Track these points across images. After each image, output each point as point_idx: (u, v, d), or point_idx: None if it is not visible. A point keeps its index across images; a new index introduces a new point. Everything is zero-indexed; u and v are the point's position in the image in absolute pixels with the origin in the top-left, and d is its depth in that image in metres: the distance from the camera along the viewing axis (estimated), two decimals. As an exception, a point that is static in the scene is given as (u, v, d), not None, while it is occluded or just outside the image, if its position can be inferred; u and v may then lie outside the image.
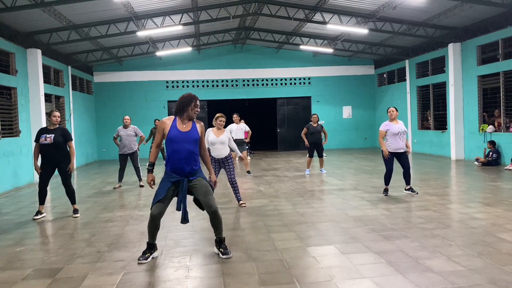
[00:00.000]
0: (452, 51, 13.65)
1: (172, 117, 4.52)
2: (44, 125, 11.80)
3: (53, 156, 6.70)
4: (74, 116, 15.63)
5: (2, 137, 10.22)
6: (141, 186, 10.01)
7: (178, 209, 4.47)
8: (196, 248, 4.96)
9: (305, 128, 11.24)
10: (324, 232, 5.46)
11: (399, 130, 7.57)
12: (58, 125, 6.87)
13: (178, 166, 4.38)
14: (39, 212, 6.90)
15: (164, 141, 4.54)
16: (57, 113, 6.90)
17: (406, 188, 7.92)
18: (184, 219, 4.49)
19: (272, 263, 4.33)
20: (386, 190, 7.88)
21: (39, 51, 12.02)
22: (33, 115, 11.70)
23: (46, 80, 13.15)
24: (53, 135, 6.69)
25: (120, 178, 10.08)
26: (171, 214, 6.85)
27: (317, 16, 13.69)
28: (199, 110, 4.52)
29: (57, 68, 14.32)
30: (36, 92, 11.82)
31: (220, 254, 4.54)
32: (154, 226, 4.48)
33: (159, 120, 15.54)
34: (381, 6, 12.06)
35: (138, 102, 18.83)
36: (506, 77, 11.85)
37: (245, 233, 5.56)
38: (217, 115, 7.37)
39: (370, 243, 4.89)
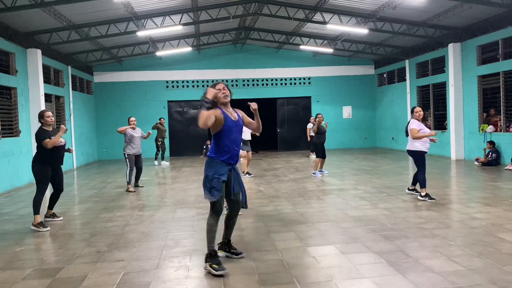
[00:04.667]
0: (452, 51, 13.65)
1: (218, 109, 4.29)
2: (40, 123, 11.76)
3: (59, 159, 6.50)
4: (74, 116, 15.63)
5: (2, 137, 10.22)
6: (140, 186, 9.97)
7: (240, 199, 4.50)
8: (196, 248, 4.95)
9: (316, 128, 11.09)
10: (324, 232, 5.46)
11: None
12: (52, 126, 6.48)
13: (232, 155, 4.33)
14: (53, 215, 6.66)
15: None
16: (50, 113, 6.50)
17: (410, 188, 7.88)
18: (244, 203, 4.57)
19: (272, 263, 4.33)
20: (427, 195, 7.29)
21: (39, 51, 12.02)
22: (33, 115, 11.68)
23: (46, 80, 13.15)
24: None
25: (131, 179, 9.97)
26: (171, 214, 6.86)
27: (317, 16, 13.69)
28: (225, 91, 4.32)
29: (57, 68, 14.31)
30: (36, 92, 11.82)
31: (234, 255, 4.55)
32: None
33: (163, 119, 15.69)
34: (381, 6, 12.06)
35: (138, 102, 18.83)
36: (506, 77, 11.85)
37: (245, 233, 5.56)
38: None
39: (370, 243, 4.89)
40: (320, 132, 11.08)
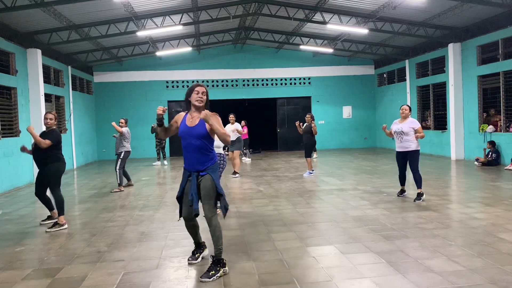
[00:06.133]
0: (452, 51, 13.65)
1: (186, 112, 4.34)
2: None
3: (38, 158, 6.27)
4: (74, 116, 15.63)
5: (2, 137, 10.22)
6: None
7: (190, 204, 4.14)
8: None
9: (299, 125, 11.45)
10: (324, 232, 5.46)
11: (395, 129, 7.51)
12: (52, 128, 6.35)
13: (188, 161, 4.22)
14: (49, 217, 6.54)
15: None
16: (49, 115, 6.38)
17: (402, 188, 7.84)
18: (193, 211, 4.21)
19: (272, 263, 4.34)
20: (400, 191, 7.78)
21: (39, 51, 12.02)
22: (33, 115, 11.70)
23: (46, 80, 13.15)
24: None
25: (127, 177, 10.11)
26: (171, 214, 6.86)
27: (317, 16, 13.68)
28: (201, 96, 4.18)
29: (57, 68, 14.31)
30: (36, 92, 11.82)
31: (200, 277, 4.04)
32: (191, 227, 4.40)
33: None
34: (381, 6, 12.05)
35: (138, 102, 18.83)
36: (506, 77, 11.85)
37: (245, 233, 5.56)
38: None
39: (370, 243, 4.89)
40: (303, 132, 11.21)
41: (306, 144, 11.22)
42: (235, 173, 11.25)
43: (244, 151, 16.27)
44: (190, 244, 5.09)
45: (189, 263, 4.42)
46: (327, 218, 6.22)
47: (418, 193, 7.31)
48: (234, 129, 11.67)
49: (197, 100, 4.16)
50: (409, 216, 6.17)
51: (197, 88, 4.22)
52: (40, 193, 6.43)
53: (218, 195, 4.16)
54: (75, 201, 8.59)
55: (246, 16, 14.34)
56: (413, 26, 13.54)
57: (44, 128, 6.63)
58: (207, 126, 4.11)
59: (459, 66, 13.63)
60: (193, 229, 4.42)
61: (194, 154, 4.15)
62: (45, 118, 6.37)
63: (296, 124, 11.37)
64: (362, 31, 13.67)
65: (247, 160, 15.83)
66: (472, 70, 13.17)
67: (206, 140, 4.15)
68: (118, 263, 4.51)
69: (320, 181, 10.08)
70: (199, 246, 4.57)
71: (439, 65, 15.02)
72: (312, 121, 11.12)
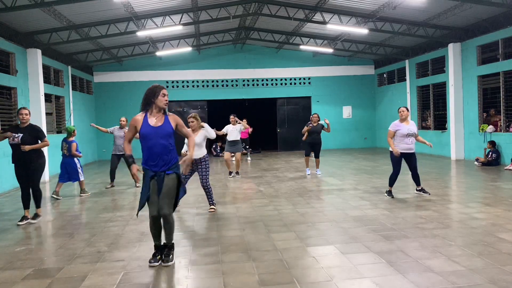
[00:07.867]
0: (452, 51, 13.65)
1: (143, 113, 4.43)
2: (44, 125, 11.82)
3: (22, 156, 6.36)
4: (74, 116, 15.63)
5: (2, 137, 10.21)
6: (138, 186, 9.99)
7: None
8: (196, 248, 4.95)
9: (306, 127, 11.09)
10: (324, 232, 5.46)
11: (408, 131, 7.47)
12: (28, 123, 6.41)
13: (153, 162, 4.32)
14: (24, 218, 6.55)
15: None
16: (25, 111, 6.40)
17: (418, 189, 7.85)
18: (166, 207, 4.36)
19: (272, 263, 4.34)
20: (389, 192, 7.71)
21: (39, 51, 12.02)
22: (33, 115, 11.55)
23: (46, 80, 13.14)
24: (21, 135, 6.30)
25: (112, 178, 10.12)
26: (171, 214, 6.85)
27: (317, 16, 13.69)
28: (167, 99, 4.43)
29: (57, 68, 14.31)
30: (36, 92, 11.81)
31: (162, 262, 4.37)
32: (158, 227, 4.44)
33: None
34: (381, 6, 12.05)
35: (138, 102, 18.18)
36: (506, 77, 11.85)
37: (245, 233, 5.56)
38: (190, 116, 7.06)
39: (370, 243, 4.89)
40: (310, 132, 11.01)
41: (317, 145, 11.05)
42: (237, 173, 11.32)
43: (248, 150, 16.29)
44: (190, 244, 5.10)
45: (150, 266, 4.35)
46: (327, 218, 6.22)
47: (422, 188, 7.80)
48: (245, 127, 11.44)
49: (165, 103, 4.41)
50: (409, 216, 6.17)
51: (164, 91, 4.44)
52: (28, 191, 6.63)
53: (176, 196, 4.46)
54: (75, 201, 8.59)
55: (246, 16, 14.35)
56: (413, 26, 13.54)
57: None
58: (172, 124, 4.39)
59: (459, 66, 13.63)
60: (159, 229, 4.48)
61: (160, 154, 4.32)
62: (21, 114, 6.40)
63: (305, 132, 11.15)
64: (362, 31, 13.67)
65: (248, 159, 15.85)
66: (472, 70, 13.17)
67: (171, 139, 4.39)
68: (118, 263, 4.51)
69: (320, 181, 10.08)
70: (159, 248, 4.53)
71: (439, 65, 15.03)
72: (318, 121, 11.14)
